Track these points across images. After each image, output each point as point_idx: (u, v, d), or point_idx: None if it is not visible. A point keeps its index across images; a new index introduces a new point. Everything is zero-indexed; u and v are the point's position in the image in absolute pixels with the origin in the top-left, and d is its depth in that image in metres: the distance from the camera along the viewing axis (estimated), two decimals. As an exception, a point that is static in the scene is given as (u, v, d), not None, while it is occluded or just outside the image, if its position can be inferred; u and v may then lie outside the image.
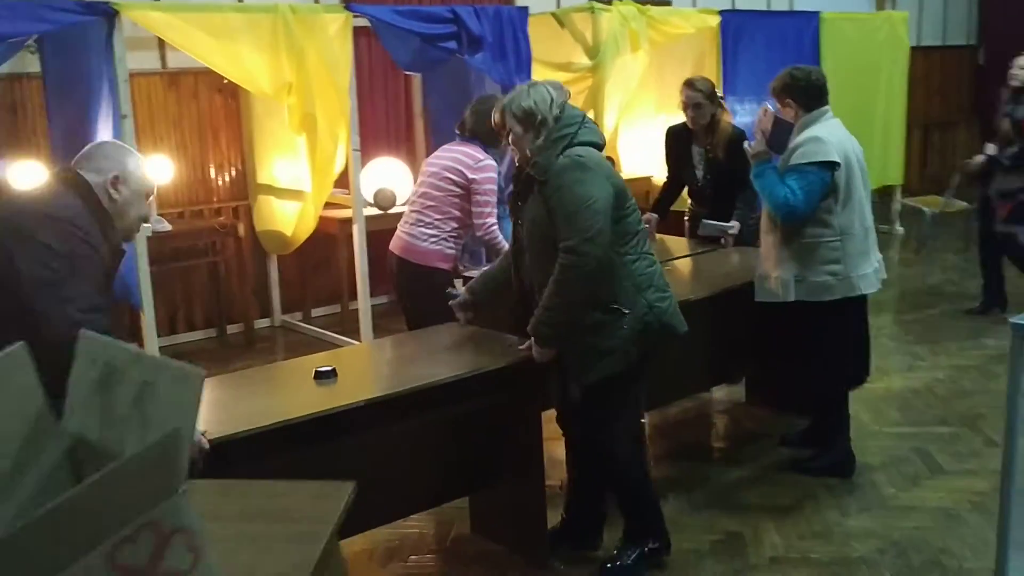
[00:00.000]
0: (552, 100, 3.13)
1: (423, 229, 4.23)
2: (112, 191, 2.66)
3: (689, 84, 4.80)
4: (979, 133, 11.68)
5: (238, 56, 5.14)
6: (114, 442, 1.46)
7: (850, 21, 8.24)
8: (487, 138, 4.17)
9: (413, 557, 3.55)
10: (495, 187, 4.24)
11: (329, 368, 3.11)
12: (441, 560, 3.53)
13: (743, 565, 3.38)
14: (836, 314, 3.89)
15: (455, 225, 4.22)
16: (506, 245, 4.08)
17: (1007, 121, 6.07)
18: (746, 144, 4.06)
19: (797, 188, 3.72)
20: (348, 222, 6.08)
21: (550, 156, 3.06)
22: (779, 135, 3.84)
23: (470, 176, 4.17)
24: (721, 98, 4.87)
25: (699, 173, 4.92)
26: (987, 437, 4.38)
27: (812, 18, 7.89)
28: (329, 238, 6.43)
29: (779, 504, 3.81)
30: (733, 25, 7.31)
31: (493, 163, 4.24)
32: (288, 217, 6.09)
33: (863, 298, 4.00)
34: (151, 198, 2.85)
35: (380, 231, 6.23)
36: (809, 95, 3.86)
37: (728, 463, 4.23)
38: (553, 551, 3.44)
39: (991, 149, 6.09)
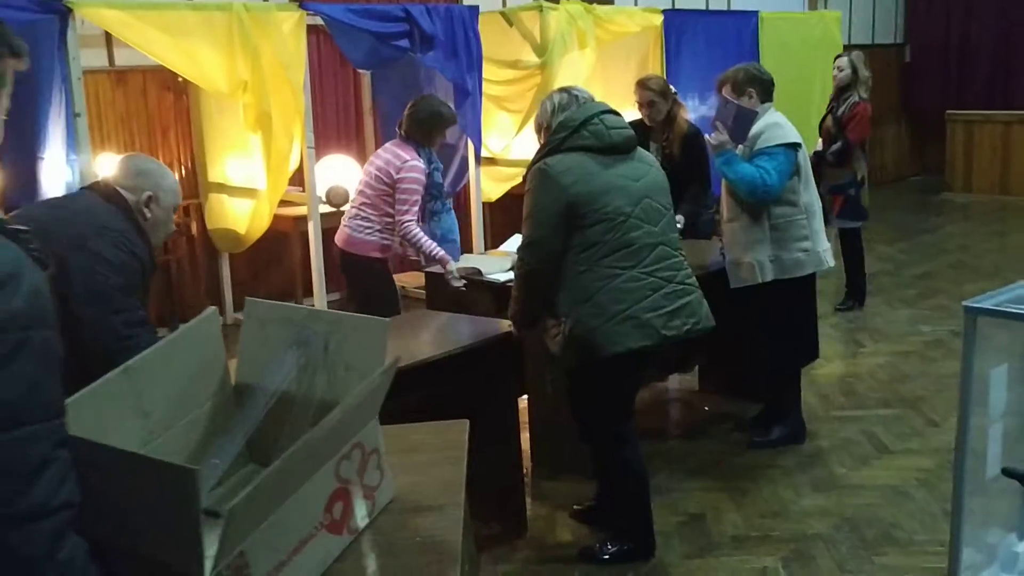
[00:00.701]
0: (554, 108, 3.25)
1: (360, 222, 4.51)
2: (145, 210, 2.72)
3: (642, 84, 4.95)
4: (906, 128, 12.13)
5: (193, 54, 5.13)
6: (307, 386, 1.80)
7: (786, 20, 8.50)
8: (420, 138, 4.47)
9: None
10: (418, 187, 4.42)
11: None
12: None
13: (707, 544, 3.53)
14: (802, 289, 4.14)
15: (388, 220, 4.46)
16: (425, 245, 4.37)
17: (830, 118, 6.29)
18: (708, 136, 4.15)
19: (770, 168, 3.91)
20: (301, 219, 6.10)
21: (534, 160, 3.21)
22: (743, 125, 4.01)
23: (395, 176, 4.41)
24: (675, 95, 5.00)
25: None
26: (928, 418, 4.60)
27: (751, 17, 8.12)
28: (282, 236, 6.43)
29: (737, 486, 3.97)
30: (675, 24, 7.50)
31: (420, 164, 4.42)
32: (241, 215, 6.09)
33: (813, 276, 4.18)
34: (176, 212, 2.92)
35: (333, 228, 6.27)
36: (766, 89, 4.12)
37: (686, 448, 4.37)
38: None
39: (819, 146, 6.26)
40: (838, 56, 6.52)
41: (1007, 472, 2.63)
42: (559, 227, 3.07)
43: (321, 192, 6.22)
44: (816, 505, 3.79)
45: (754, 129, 4.03)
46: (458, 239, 4.72)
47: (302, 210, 6.11)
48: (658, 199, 3.23)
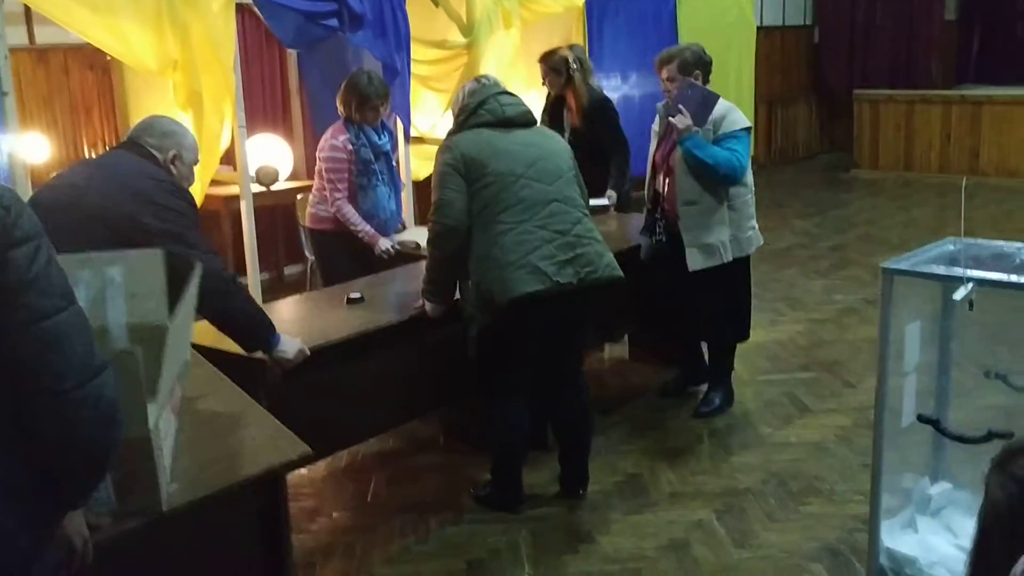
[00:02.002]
0: (464, 95, 3.60)
1: (312, 197, 4.86)
2: (172, 167, 2.89)
3: (540, 59, 5.38)
4: (815, 107, 12.54)
5: (121, 32, 5.07)
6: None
7: (703, 1, 8.72)
8: (346, 114, 4.72)
9: (335, 513, 3.72)
10: (337, 164, 4.63)
11: (359, 295, 3.77)
12: (362, 513, 3.71)
13: (646, 501, 3.72)
14: (746, 267, 4.35)
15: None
16: (354, 223, 4.57)
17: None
18: (672, 119, 4.09)
19: (741, 152, 4.07)
20: (232, 199, 6.09)
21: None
22: (707, 109, 4.06)
23: (318, 155, 4.71)
24: (574, 69, 5.23)
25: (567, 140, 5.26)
26: (844, 380, 4.87)
27: (669, -1, 8.32)
28: (212, 215, 6.40)
29: (670, 447, 4.17)
30: (597, 5, 7.66)
31: (337, 143, 4.64)
32: (171, 195, 6.04)
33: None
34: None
35: (264, 207, 6.29)
36: (708, 71, 4.26)
37: (620, 414, 4.55)
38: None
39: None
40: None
41: (922, 418, 2.86)
42: (462, 189, 3.37)
43: (252, 172, 6.21)
44: (744, 462, 4.01)
45: (716, 112, 4.09)
46: (383, 215, 4.78)
47: (233, 189, 6.10)
48: (554, 162, 3.51)
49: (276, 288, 6.61)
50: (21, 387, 1.51)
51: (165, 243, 2.66)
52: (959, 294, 2.55)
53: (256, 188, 6.19)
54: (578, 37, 7.59)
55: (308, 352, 3.07)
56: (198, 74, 5.35)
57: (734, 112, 4.16)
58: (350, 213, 4.58)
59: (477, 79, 3.71)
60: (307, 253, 6.27)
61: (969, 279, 2.54)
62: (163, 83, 5.62)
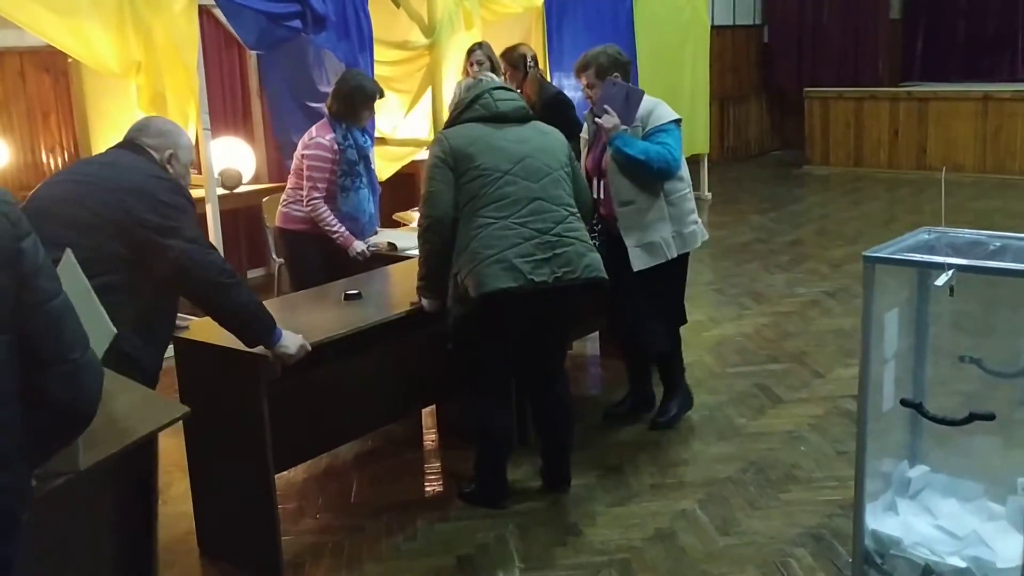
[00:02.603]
0: (458, 92, 3.68)
1: (285, 196, 4.79)
2: (168, 166, 2.92)
3: (502, 55, 5.55)
4: (766, 105, 12.75)
5: (84, 34, 5.02)
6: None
7: (659, 2, 8.82)
8: (344, 114, 4.63)
9: (319, 514, 3.71)
10: (322, 163, 4.58)
11: (356, 291, 3.77)
12: (347, 513, 3.71)
13: (629, 493, 3.76)
14: (684, 264, 4.26)
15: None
16: (329, 224, 4.54)
17: None
18: (598, 120, 4.03)
19: (673, 145, 4.00)
20: (196, 202, 6.02)
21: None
22: (633, 106, 4.00)
23: (301, 153, 4.64)
24: (529, 66, 5.46)
25: None
26: (813, 370, 4.97)
27: (626, -1, 8.41)
28: (174, 220, 6.33)
29: (648, 440, 4.22)
30: (556, 5, 7.72)
31: (324, 142, 4.58)
32: (133, 199, 5.96)
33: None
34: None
35: (227, 210, 6.23)
36: (627, 72, 4.15)
37: (596, 408, 4.58)
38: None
39: None
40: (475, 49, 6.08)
41: (905, 403, 2.93)
42: (449, 182, 3.42)
43: (215, 174, 6.16)
44: (723, 452, 4.07)
45: (642, 109, 4.03)
46: (363, 218, 4.79)
47: (194, 193, 6.02)
48: (543, 159, 3.50)
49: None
50: (36, 359, 1.73)
51: (165, 238, 2.70)
52: (941, 280, 2.62)
53: (220, 191, 6.13)
54: (537, 37, 7.65)
55: (309, 347, 3.07)
56: (161, 76, 5.31)
57: (661, 106, 4.10)
58: (326, 214, 4.55)
59: (476, 75, 3.77)
60: (274, 256, 6.24)
61: (950, 266, 2.62)
62: (123, 86, 5.57)
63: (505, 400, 3.63)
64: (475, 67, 5.61)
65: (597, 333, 5.27)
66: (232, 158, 6.61)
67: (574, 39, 7.83)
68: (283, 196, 4.83)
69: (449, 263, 3.44)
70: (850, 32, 12.24)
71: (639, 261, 4.03)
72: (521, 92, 5.39)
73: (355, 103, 4.61)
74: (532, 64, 5.53)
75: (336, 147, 4.55)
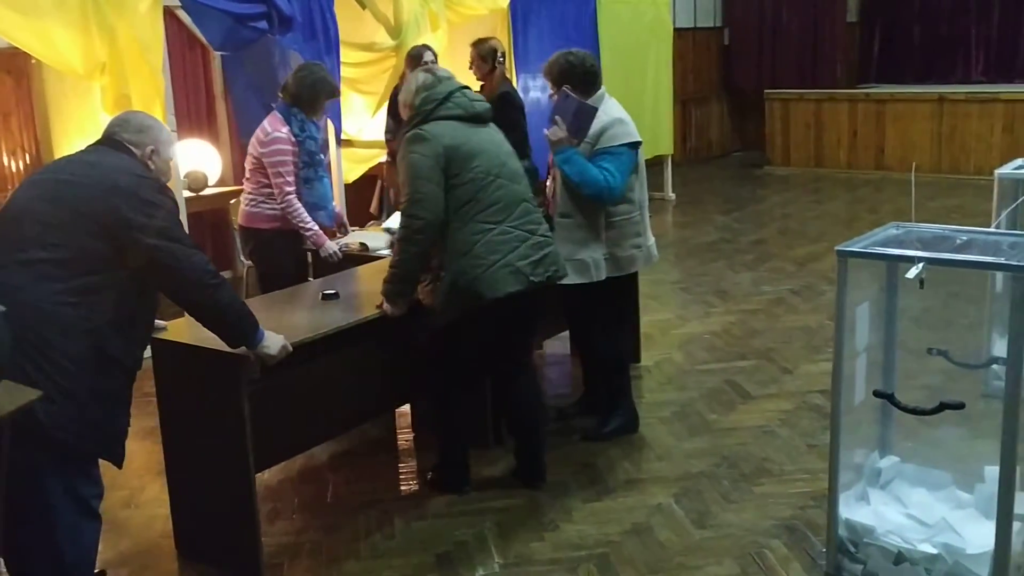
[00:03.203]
0: (418, 87, 3.52)
1: (249, 196, 4.67)
2: (149, 162, 2.87)
3: (473, 44, 5.67)
4: (727, 106, 12.89)
5: (48, 35, 4.96)
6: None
7: (622, 4, 8.89)
8: (305, 103, 4.59)
9: (296, 515, 3.70)
10: (284, 157, 4.51)
11: (333, 291, 3.74)
12: (324, 514, 3.70)
13: (604, 488, 3.79)
14: (631, 283, 4.23)
15: (269, 191, 4.57)
16: (302, 220, 4.50)
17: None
18: (546, 131, 3.90)
19: (614, 170, 3.80)
20: (161, 205, 5.98)
21: (404, 131, 3.49)
22: (583, 122, 3.83)
23: (260, 151, 4.54)
24: (500, 61, 5.54)
25: None
26: (781, 366, 5.04)
27: (590, 1, 8.46)
28: (139, 223, 6.27)
29: (621, 436, 4.24)
30: (521, 7, 7.76)
31: (282, 135, 4.51)
32: (98, 202, 5.90)
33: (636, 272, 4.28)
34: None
35: (193, 213, 6.19)
36: (587, 81, 3.92)
37: (567, 406, 4.62)
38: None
39: None
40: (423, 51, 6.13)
41: (877, 394, 3.00)
42: (441, 183, 3.36)
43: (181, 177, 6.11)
44: (695, 447, 4.12)
45: (597, 125, 3.85)
46: (330, 207, 4.81)
47: (161, 195, 5.99)
48: (514, 162, 3.57)
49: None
50: None
51: (150, 237, 2.68)
52: (911, 273, 2.68)
53: (187, 194, 6.08)
54: (503, 39, 7.65)
55: (291, 348, 3.06)
56: (126, 77, 5.27)
57: (618, 126, 3.88)
58: (301, 211, 4.51)
59: (429, 71, 3.61)
60: (241, 258, 6.21)
61: (921, 259, 2.68)
62: (85, 88, 5.51)
63: (477, 394, 3.73)
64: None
65: (568, 332, 5.29)
66: (197, 160, 6.56)
67: (539, 41, 7.89)
68: (244, 196, 4.73)
69: (423, 267, 3.44)
70: (808, 35, 12.42)
71: (568, 276, 3.86)
72: (483, 86, 5.50)
73: (318, 94, 4.59)
74: (501, 60, 5.60)
75: (293, 139, 4.51)
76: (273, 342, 3.00)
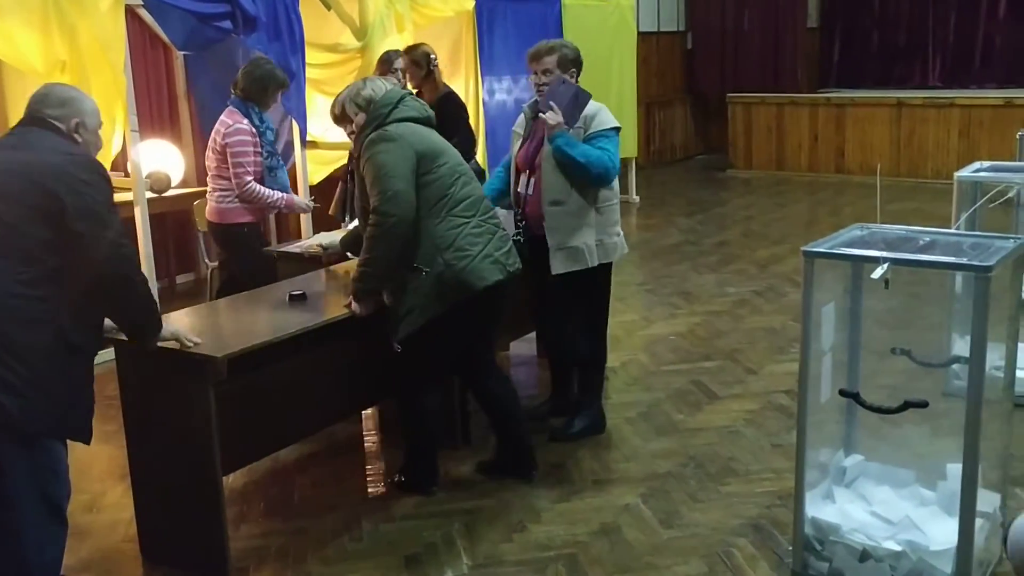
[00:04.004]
0: (368, 89, 3.55)
1: (217, 193, 4.77)
2: (76, 135, 2.78)
3: (404, 52, 5.71)
4: (690, 109, 12.98)
5: (7, 33, 4.88)
6: None
7: (586, 7, 8.93)
8: (255, 96, 4.76)
9: (262, 518, 3.67)
10: (246, 148, 4.67)
11: (300, 292, 3.72)
12: (291, 516, 3.67)
13: (572, 489, 3.80)
14: (607, 275, 4.18)
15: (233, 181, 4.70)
16: (266, 196, 4.68)
17: None
18: (543, 115, 3.91)
19: (612, 151, 3.92)
20: (122, 206, 5.87)
21: (363, 136, 3.50)
22: (578, 107, 3.91)
23: (222, 142, 4.68)
24: (434, 65, 5.61)
25: None
26: (746, 367, 5.08)
27: (555, 4, 8.50)
28: (100, 224, 6.18)
29: (587, 438, 4.25)
30: (486, 9, 7.77)
31: (244, 126, 4.68)
32: (58, 203, 5.81)
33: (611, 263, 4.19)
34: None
35: (155, 215, 6.10)
36: (580, 71, 4.09)
37: (534, 407, 4.62)
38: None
39: None
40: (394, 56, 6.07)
41: (843, 393, 3.03)
42: (411, 180, 3.40)
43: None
44: (662, 448, 4.14)
45: (586, 111, 3.95)
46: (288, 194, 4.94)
47: (122, 196, 5.91)
48: (465, 163, 3.68)
49: (170, 297, 6.44)
50: None
51: (80, 222, 2.59)
52: (877, 273, 2.72)
53: (149, 195, 6.01)
54: (468, 40, 7.69)
55: (191, 343, 3.00)
56: (87, 76, 5.20)
57: (604, 112, 4.02)
58: (260, 190, 4.66)
59: (366, 80, 3.64)
60: (206, 260, 6.14)
61: (886, 259, 2.72)
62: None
63: (446, 394, 3.81)
64: (398, 75, 5.65)
65: (534, 333, 5.31)
66: (160, 161, 6.49)
67: (504, 43, 7.91)
68: (212, 193, 4.79)
69: (395, 267, 3.44)
70: (770, 40, 12.55)
71: (559, 264, 3.97)
72: (419, 91, 5.51)
73: (267, 87, 4.74)
74: (435, 64, 5.62)
75: (253, 130, 4.66)
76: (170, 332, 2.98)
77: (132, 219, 5.69)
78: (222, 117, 4.76)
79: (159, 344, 2.95)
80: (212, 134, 4.77)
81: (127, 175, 5.77)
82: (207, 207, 4.87)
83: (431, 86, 5.62)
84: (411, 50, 5.74)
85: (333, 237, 4.80)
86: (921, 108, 10.71)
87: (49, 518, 2.73)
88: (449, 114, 5.27)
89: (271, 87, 4.76)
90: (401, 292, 3.47)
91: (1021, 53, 11.71)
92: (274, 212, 4.94)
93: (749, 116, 11.64)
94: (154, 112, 6.90)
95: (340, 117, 3.60)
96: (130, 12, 5.94)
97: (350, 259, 4.15)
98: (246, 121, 4.66)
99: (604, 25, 9.14)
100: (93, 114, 2.86)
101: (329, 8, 6.77)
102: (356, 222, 4.31)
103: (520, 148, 4.16)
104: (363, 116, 3.52)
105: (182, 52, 6.55)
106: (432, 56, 5.66)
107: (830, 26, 13.24)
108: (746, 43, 12.66)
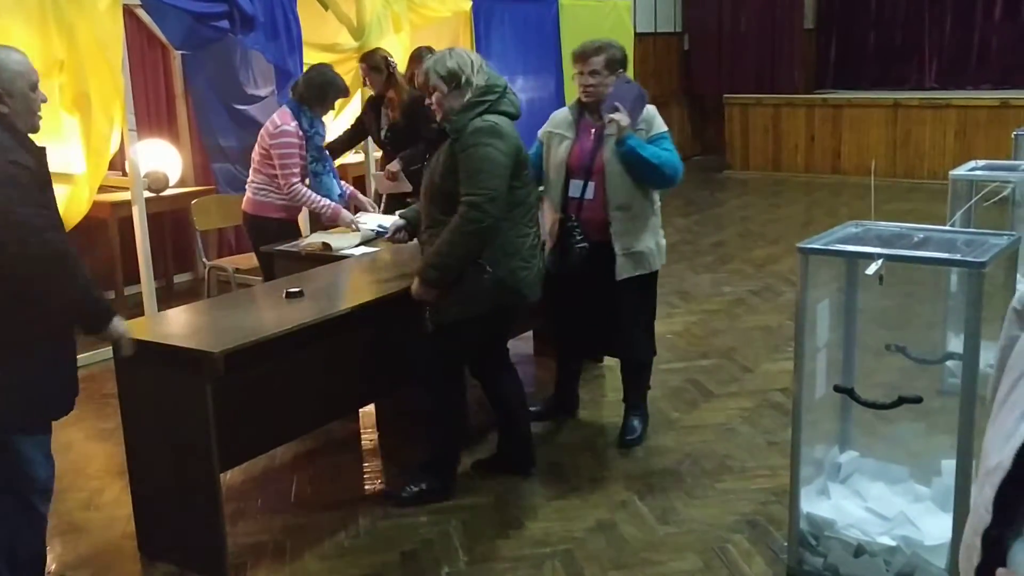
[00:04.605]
0: (473, 64, 3.38)
1: (257, 186, 4.91)
2: (2, 107, 2.57)
3: (360, 60, 5.75)
4: (687, 110, 13.00)
5: (5, 32, 4.87)
6: None
7: (583, 8, 8.96)
8: (313, 101, 4.84)
9: (260, 515, 3.68)
10: (292, 150, 4.76)
11: (298, 289, 3.67)
12: (288, 513, 3.69)
13: (569, 486, 3.81)
14: (657, 276, 4.11)
15: (277, 182, 4.83)
16: (313, 201, 4.76)
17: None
18: (613, 116, 3.70)
19: (675, 152, 3.82)
20: (120, 205, 5.93)
21: (466, 117, 3.33)
22: (639, 108, 3.80)
23: (269, 142, 4.80)
24: (394, 67, 5.60)
25: (385, 136, 5.71)
26: (742, 365, 5.10)
27: (552, 4, 8.52)
28: (97, 223, 6.19)
29: (585, 434, 4.29)
30: (484, 9, 7.79)
31: (290, 128, 4.76)
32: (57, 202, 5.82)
33: None
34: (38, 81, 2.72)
35: (153, 214, 6.11)
36: (626, 68, 3.99)
37: (533, 406, 4.63)
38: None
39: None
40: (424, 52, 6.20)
41: (838, 389, 3.05)
42: (508, 180, 3.34)
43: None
44: (659, 445, 4.15)
45: (645, 112, 3.85)
46: (336, 201, 4.94)
47: (120, 195, 5.95)
48: None
49: (167, 297, 6.44)
50: None
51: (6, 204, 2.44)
52: (871, 269, 2.74)
53: (147, 194, 6.02)
54: (465, 41, 7.70)
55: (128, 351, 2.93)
56: (85, 75, 5.20)
57: (657, 115, 3.93)
58: (309, 194, 4.77)
59: (467, 51, 3.48)
60: (203, 259, 6.16)
61: (880, 255, 2.74)
62: (44, 87, 5.40)
63: (465, 382, 3.77)
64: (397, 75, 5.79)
65: (531, 332, 5.32)
66: (157, 160, 6.49)
67: (502, 44, 7.93)
68: (251, 185, 4.93)
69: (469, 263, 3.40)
70: (766, 41, 12.57)
71: (625, 270, 3.88)
72: (385, 96, 5.53)
73: (327, 95, 4.85)
74: (394, 67, 5.64)
75: (301, 133, 4.76)
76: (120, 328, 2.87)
77: (130, 218, 5.71)
78: (273, 116, 4.87)
79: (114, 335, 2.84)
80: (261, 131, 4.89)
81: (125, 174, 5.77)
82: (245, 198, 5.00)
83: (398, 89, 5.54)
84: (368, 57, 5.70)
85: (337, 236, 4.81)
86: (917, 109, 10.74)
87: (15, 509, 2.73)
88: (420, 117, 5.23)
89: (330, 94, 4.87)
90: (456, 281, 3.41)
91: (1017, 54, 11.75)
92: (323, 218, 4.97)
93: (746, 117, 11.67)
94: (152, 112, 6.91)
95: (422, 85, 3.52)
96: (128, 12, 5.96)
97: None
98: (294, 123, 4.75)
99: (600, 26, 9.14)
100: (17, 73, 2.58)
101: (327, 8, 6.78)
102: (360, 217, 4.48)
103: (570, 150, 3.91)
104: (446, 87, 3.34)
105: (180, 52, 6.55)
106: (390, 59, 5.63)
107: (826, 27, 13.26)
108: (743, 44, 12.68)
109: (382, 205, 5.64)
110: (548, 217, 4.01)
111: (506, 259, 3.41)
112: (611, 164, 3.80)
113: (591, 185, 3.86)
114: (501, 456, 3.93)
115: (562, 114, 4.07)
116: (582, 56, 3.85)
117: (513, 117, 3.43)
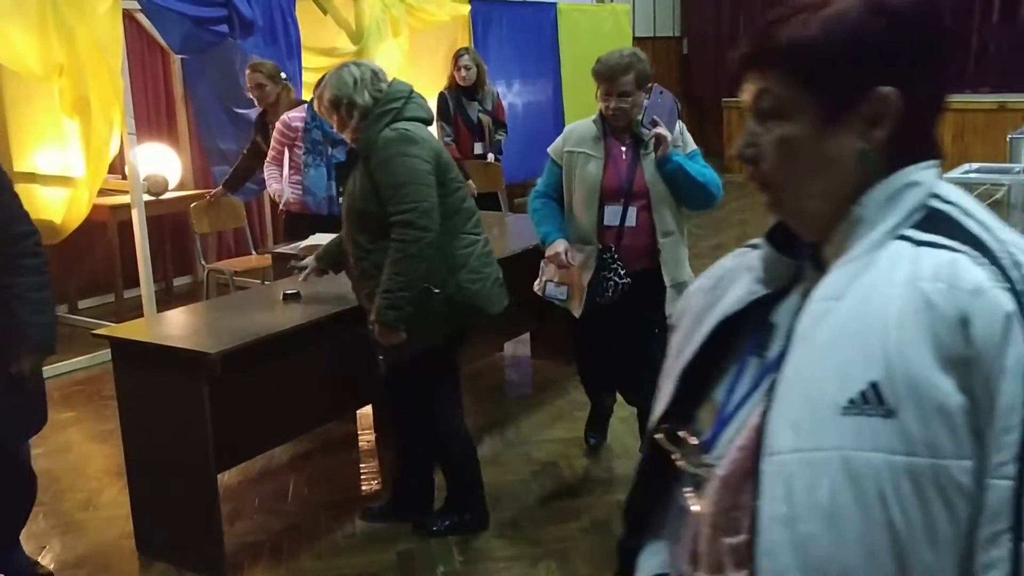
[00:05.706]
0: (358, 81, 3.07)
1: (291, 184, 5.22)
2: None
3: (252, 68, 5.49)
4: (687, 115, 13.02)
5: (5, 36, 4.93)
6: None
7: (582, 12, 9.01)
8: None
9: (256, 515, 3.71)
10: (281, 136, 5.15)
11: (295, 291, 3.67)
12: (284, 513, 3.71)
13: (564, 487, 3.84)
14: None
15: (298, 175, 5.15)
16: (270, 184, 5.17)
17: (482, 116, 6.49)
18: (656, 130, 3.35)
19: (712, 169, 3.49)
20: (119, 208, 5.96)
21: (373, 130, 3.04)
22: (672, 122, 3.49)
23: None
24: (285, 80, 5.59)
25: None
26: (738, 367, 5.11)
27: (550, 9, 8.56)
28: (96, 226, 6.22)
29: (580, 436, 4.29)
30: (482, 14, 7.83)
31: (290, 119, 5.11)
32: (55, 205, 5.85)
33: None
34: None
35: (152, 217, 6.14)
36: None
37: (528, 408, 4.67)
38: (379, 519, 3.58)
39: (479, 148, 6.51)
40: (462, 54, 6.48)
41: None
42: (436, 189, 3.04)
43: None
44: (654, 446, 4.17)
45: (676, 128, 3.48)
46: (320, 193, 5.09)
47: (119, 198, 5.98)
48: None
49: (167, 300, 6.47)
50: None
51: None
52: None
53: (146, 198, 6.05)
54: (463, 45, 7.71)
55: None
56: (85, 79, 5.24)
57: (686, 130, 3.59)
58: (269, 176, 5.17)
59: (358, 64, 3.15)
60: (202, 262, 6.19)
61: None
62: (45, 90, 5.48)
63: (459, 402, 3.48)
64: (462, 72, 6.25)
65: (528, 335, 5.35)
66: (157, 164, 6.53)
67: (500, 48, 7.97)
68: (288, 185, 5.22)
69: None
70: (765, 44, 12.59)
71: (673, 303, 3.42)
72: (275, 106, 5.41)
73: None
74: (285, 76, 5.63)
75: (297, 125, 5.06)
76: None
77: (130, 222, 5.74)
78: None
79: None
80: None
81: (124, 178, 5.80)
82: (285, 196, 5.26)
83: (289, 98, 5.48)
84: (259, 67, 5.46)
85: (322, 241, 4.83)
86: (915, 112, 10.75)
87: None
88: None
89: None
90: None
91: (1014, 58, 11.77)
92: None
93: (744, 121, 11.67)
94: (151, 115, 6.94)
95: (324, 116, 3.23)
96: (128, 16, 5.99)
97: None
98: (302, 116, 5.05)
99: (599, 30, 9.20)
100: None
101: (325, 12, 6.83)
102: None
103: (604, 172, 3.48)
104: (335, 117, 3.10)
105: (179, 56, 6.58)
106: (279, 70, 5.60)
107: (825, 31, 13.29)
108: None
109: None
110: (570, 250, 3.52)
111: (452, 275, 3.11)
112: (656, 186, 3.42)
113: (631, 210, 3.46)
114: (396, 501, 3.59)
115: (583, 129, 3.57)
116: (611, 76, 3.38)
117: (425, 122, 3.15)
